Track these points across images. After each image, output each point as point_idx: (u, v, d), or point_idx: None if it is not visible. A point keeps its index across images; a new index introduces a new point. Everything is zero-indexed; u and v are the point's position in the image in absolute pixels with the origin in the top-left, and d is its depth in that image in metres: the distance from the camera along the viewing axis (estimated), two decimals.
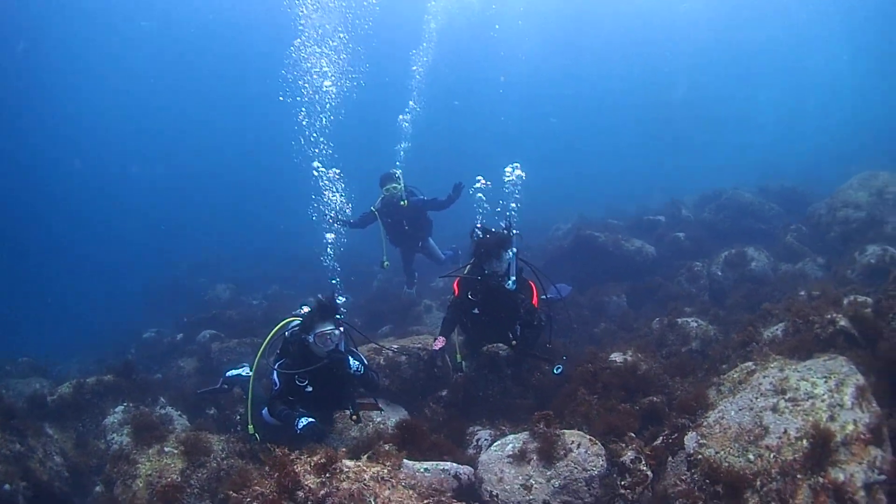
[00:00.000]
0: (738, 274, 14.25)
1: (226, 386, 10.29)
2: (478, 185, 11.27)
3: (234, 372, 10.15)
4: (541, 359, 9.76)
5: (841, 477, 5.01)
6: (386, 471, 5.47)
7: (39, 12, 42.07)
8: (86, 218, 45.97)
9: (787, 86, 57.96)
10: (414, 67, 24.31)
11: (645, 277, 15.59)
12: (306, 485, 5.06)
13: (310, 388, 8.12)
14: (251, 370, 8.58)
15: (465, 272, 9.79)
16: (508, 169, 11.37)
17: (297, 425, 7.74)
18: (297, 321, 8.55)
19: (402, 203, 14.41)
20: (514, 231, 9.64)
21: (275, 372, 8.22)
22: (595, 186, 38.92)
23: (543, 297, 10.09)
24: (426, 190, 15.13)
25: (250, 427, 8.41)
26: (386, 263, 14.96)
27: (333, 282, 10.21)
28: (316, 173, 13.38)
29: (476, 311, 9.51)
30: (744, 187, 21.54)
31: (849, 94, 53.68)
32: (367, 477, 5.26)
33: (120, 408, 10.32)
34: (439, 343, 9.67)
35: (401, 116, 19.59)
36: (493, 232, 9.45)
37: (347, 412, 8.39)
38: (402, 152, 18.14)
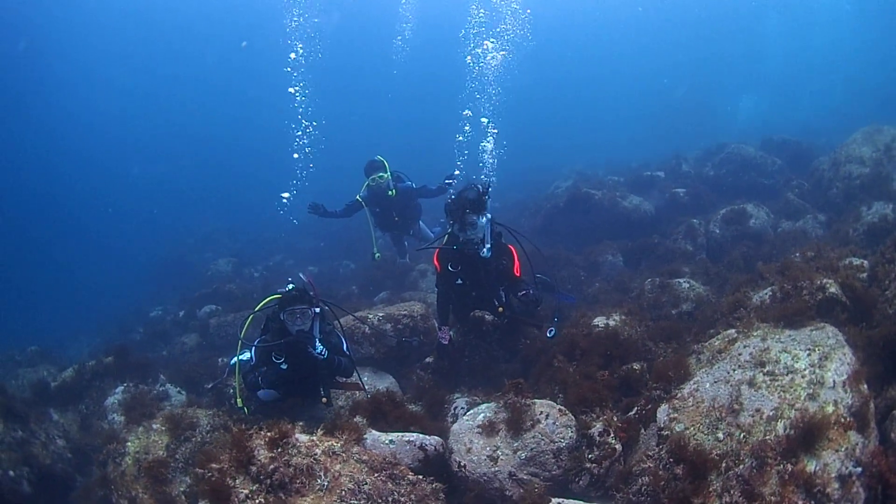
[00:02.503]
0: (737, 231, 13.89)
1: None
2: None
3: (235, 359, 10.13)
4: (529, 324, 9.60)
5: (813, 466, 4.62)
6: (339, 445, 5.50)
7: (39, 11, 41.77)
8: (92, 206, 46.16)
9: (792, 35, 57.14)
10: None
11: (642, 235, 15.23)
12: (259, 460, 5.12)
13: (284, 366, 8.14)
14: (251, 354, 8.57)
15: (443, 243, 9.55)
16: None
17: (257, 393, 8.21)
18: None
19: (390, 193, 13.99)
20: (488, 197, 9.29)
21: (253, 347, 8.38)
22: (604, 145, 38.45)
23: (539, 276, 10.08)
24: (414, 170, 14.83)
25: (239, 401, 8.49)
26: (377, 255, 14.71)
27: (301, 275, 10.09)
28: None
29: (459, 281, 9.31)
30: (747, 141, 21.04)
31: (854, 48, 52.76)
32: (318, 452, 5.30)
33: (120, 388, 10.41)
34: (445, 336, 9.55)
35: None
36: (464, 193, 9.09)
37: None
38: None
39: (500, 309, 9.23)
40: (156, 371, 11.26)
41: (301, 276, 8.79)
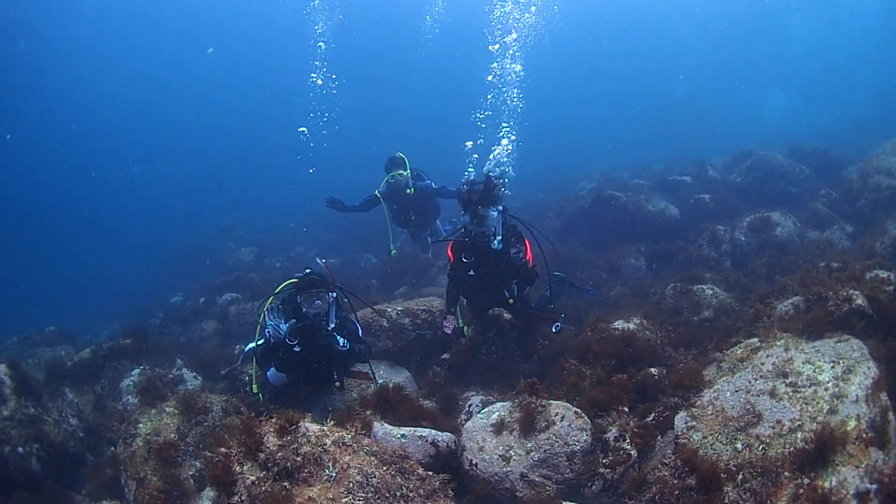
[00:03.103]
0: (763, 240, 13.67)
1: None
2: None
3: (251, 346, 10.12)
4: (540, 317, 9.64)
5: (831, 482, 4.49)
6: (349, 436, 5.45)
7: (39, 11, 41.93)
8: (111, 197, 46.42)
9: (817, 37, 56.28)
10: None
11: (666, 240, 15.08)
12: (267, 447, 5.09)
13: (297, 348, 8.09)
14: (267, 335, 8.53)
15: (458, 235, 9.58)
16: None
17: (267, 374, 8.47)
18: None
19: (409, 191, 13.94)
20: (504, 189, 9.25)
21: (269, 328, 8.29)
22: (627, 147, 38.21)
23: (556, 273, 10.32)
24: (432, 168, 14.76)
25: (254, 386, 8.54)
26: (394, 252, 14.68)
27: (321, 261, 10.07)
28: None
29: (471, 272, 9.30)
30: (772, 145, 20.79)
31: (880, 53, 51.87)
32: (328, 442, 5.25)
33: (136, 370, 10.53)
34: (449, 325, 9.61)
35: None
36: (477, 185, 9.10)
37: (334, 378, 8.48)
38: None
39: (511, 301, 9.26)
40: (173, 355, 11.33)
41: (319, 261, 8.79)
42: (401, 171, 13.85)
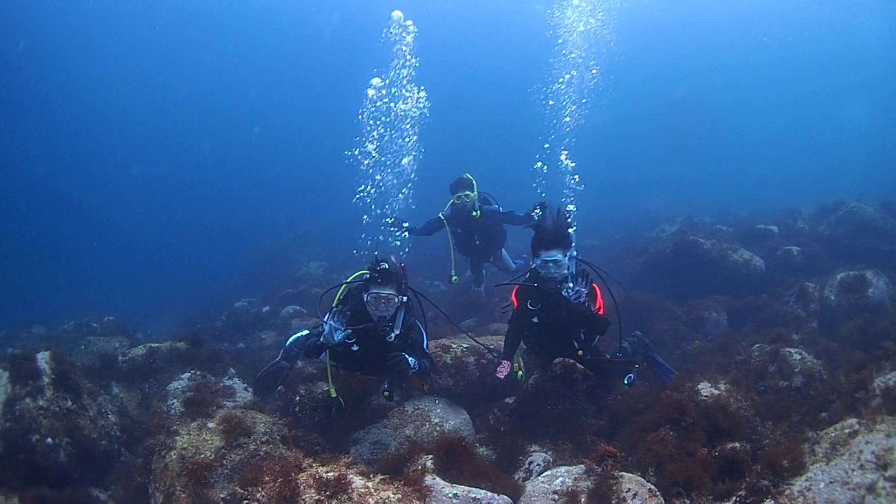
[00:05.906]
0: (854, 300, 12.68)
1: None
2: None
3: (296, 336, 10.04)
4: (612, 363, 8.99)
5: None
6: (396, 498, 4.91)
7: (39, 11, 42.84)
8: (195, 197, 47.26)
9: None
10: None
11: (750, 293, 14.31)
12: (303, 500, 4.71)
13: (356, 348, 7.96)
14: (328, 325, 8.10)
15: (524, 279, 8.95)
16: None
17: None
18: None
19: (474, 214, 13.42)
20: (573, 227, 8.72)
21: (325, 327, 7.91)
22: (711, 188, 37.34)
23: (638, 333, 9.99)
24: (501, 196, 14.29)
25: (332, 390, 8.42)
26: (455, 279, 14.18)
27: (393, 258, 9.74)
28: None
29: (535, 320, 8.71)
30: (866, 199, 19.83)
31: None
32: (371, 502, 4.77)
33: (186, 374, 10.38)
34: (504, 371, 9.05)
35: None
36: (546, 228, 8.44)
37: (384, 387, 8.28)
38: None
39: (581, 352, 8.62)
40: (226, 363, 11.20)
41: (393, 259, 8.43)
42: (467, 193, 13.35)
